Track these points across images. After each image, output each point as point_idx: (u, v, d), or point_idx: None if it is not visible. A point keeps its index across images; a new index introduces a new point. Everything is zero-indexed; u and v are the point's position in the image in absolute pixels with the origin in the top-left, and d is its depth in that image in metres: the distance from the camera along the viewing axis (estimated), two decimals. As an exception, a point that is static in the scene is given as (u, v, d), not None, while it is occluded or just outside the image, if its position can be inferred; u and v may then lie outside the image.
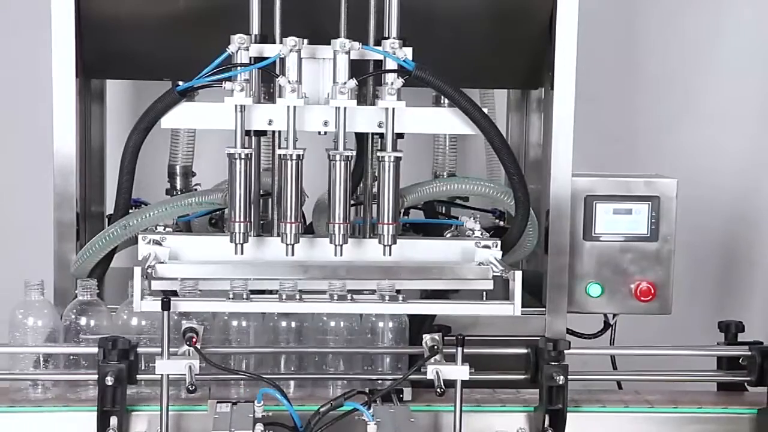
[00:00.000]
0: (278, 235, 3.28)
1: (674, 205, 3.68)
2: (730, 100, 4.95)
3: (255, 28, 3.28)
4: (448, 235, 3.68)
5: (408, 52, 3.25)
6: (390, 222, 3.24)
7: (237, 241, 3.23)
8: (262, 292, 3.28)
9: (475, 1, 3.64)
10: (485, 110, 3.89)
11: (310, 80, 3.24)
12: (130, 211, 3.68)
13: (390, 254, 3.27)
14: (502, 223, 3.91)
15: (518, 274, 3.14)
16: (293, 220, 3.21)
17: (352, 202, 3.44)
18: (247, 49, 3.19)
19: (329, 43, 3.27)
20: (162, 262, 3.30)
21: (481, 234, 3.43)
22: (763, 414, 3.37)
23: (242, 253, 3.23)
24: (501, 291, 3.26)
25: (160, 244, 3.33)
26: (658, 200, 3.67)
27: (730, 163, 4.96)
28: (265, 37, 3.29)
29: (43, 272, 3.54)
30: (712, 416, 3.40)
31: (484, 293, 3.39)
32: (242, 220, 3.21)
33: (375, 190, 3.32)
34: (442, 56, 3.64)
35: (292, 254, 3.24)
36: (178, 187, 4.02)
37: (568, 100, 3.61)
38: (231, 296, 3.14)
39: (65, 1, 3.51)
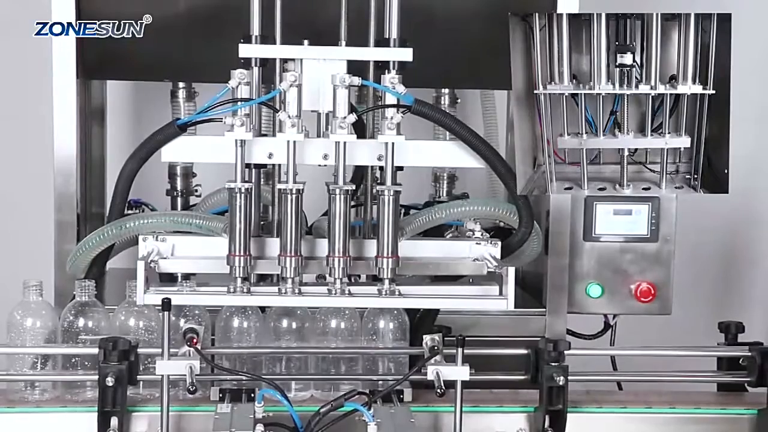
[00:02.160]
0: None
1: (674, 206, 3.68)
2: (731, 100, 4.93)
3: (255, 29, 3.28)
4: (448, 236, 3.68)
5: (408, 53, 3.25)
6: (389, 256, 3.23)
7: (236, 275, 3.20)
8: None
9: (475, 1, 3.65)
10: (486, 112, 3.90)
11: (311, 81, 3.24)
12: (129, 212, 3.70)
13: (390, 291, 3.24)
14: (502, 223, 3.91)
15: (511, 270, 3.16)
16: (293, 254, 3.21)
17: (352, 203, 3.45)
18: (248, 84, 3.18)
19: (330, 44, 3.27)
20: (164, 258, 3.30)
21: (481, 234, 3.43)
22: (763, 415, 3.37)
23: (242, 290, 3.21)
24: (497, 287, 3.26)
25: (163, 241, 3.33)
26: (657, 201, 3.67)
27: (730, 164, 4.95)
28: (266, 38, 3.29)
29: (44, 273, 3.54)
30: (712, 417, 3.40)
31: (470, 279, 3.41)
32: (242, 254, 3.20)
33: (375, 191, 3.31)
34: (442, 57, 3.65)
35: (294, 291, 3.21)
36: (179, 188, 4.02)
37: (568, 100, 3.61)
38: (231, 290, 3.18)
39: (65, 1, 3.51)
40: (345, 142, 3.19)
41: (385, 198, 3.22)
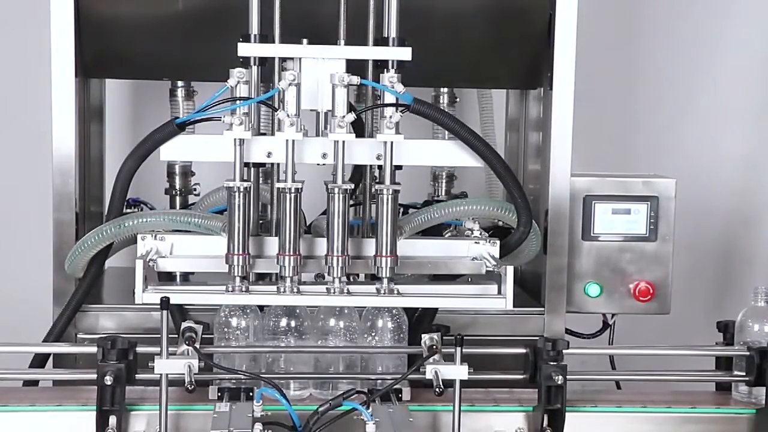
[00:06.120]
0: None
1: (673, 205, 3.69)
2: (730, 99, 4.95)
3: (254, 28, 3.28)
4: (447, 235, 3.68)
5: (407, 52, 3.25)
6: (388, 255, 3.23)
7: (235, 273, 3.20)
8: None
9: (474, 1, 3.65)
10: (483, 111, 3.89)
11: (309, 80, 3.24)
12: (128, 210, 3.70)
13: (389, 291, 3.24)
14: (501, 223, 3.91)
15: (510, 269, 3.17)
16: (292, 253, 3.21)
17: (351, 202, 3.45)
18: (246, 83, 3.18)
19: (329, 43, 3.27)
20: (163, 257, 3.30)
21: (480, 234, 3.43)
22: (761, 414, 3.37)
23: (240, 288, 3.21)
24: (496, 287, 3.26)
25: (162, 240, 3.33)
26: (656, 200, 3.67)
27: (729, 163, 4.97)
28: (265, 37, 3.29)
29: (43, 272, 3.55)
30: (711, 416, 3.40)
31: (469, 278, 3.41)
32: (241, 252, 3.20)
33: (374, 190, 3.31)
34: (440, 56, 3.65)
35: (292, 290, 3.21)
36: (177, 187, 4.01)
37: (567, 100, 3.62)
38: (229, 289, 3.18)
39: (64, 1, 3.51)
40: (344, 141, 3.19)
41: (383, 197, 3.22)
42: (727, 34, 4.92)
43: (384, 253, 3.22)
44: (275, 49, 3.29)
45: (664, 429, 3.38)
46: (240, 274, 3.20)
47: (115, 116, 4.42)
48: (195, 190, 4.06)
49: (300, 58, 3.25)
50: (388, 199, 3.22)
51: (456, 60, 3.72)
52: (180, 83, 3.94)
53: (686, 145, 4.93)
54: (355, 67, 3.26)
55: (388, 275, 3.23)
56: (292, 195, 3.19)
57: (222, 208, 3.58)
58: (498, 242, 3.41)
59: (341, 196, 3.19)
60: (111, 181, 3.45)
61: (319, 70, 3.25)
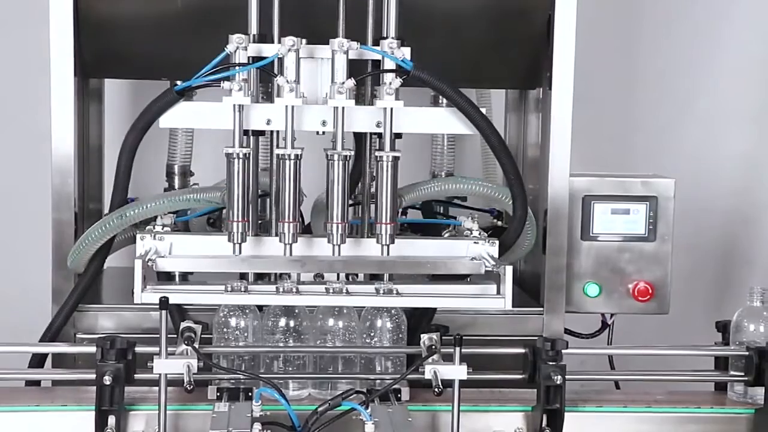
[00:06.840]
0: (276, 235, 3.29)
1: (672, 205, 3.69)
2: (729, 100, 4.95)
3: (253, 28, 3.28)
4: (446, 235, 3.68)
5: (406, 52, 3.25)
6: (388, 222, 3.24)
7: (235, 241, 3.23)
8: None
9: (474, 1, 3.65)
10: (483, 110, 3.89)
11: (309, 80, 3.25)
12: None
13: (388, 254, 3.27)
14: (500, 222, 3.92)
15: (509, 269, 3.17)
16: (291, 220, 3.21)
17: (350, 201, 3.45)
18: (246, 49, 3.19)
19: (328, 43, 3.27)
20: (162, 256, 3.30)
21: (479, 234, 3.43)
22: (760, 414, 3.37)
23: (240, 253, 3.23)
24: (495, 287, 3.26)
25: (161, 240, 3.34)
26: (655, 200, 3.67)
27: (728, 164, 4.97)
28: (264, 36, 3.29)
29: (42, 272, 3.55)
30: (710, 416, 3.40)
31: (468, 277, 3.41)
32: (240, 219, 3.21)
33: (373, 190, 3.32)
34: (440, 56, 3.65)
35: (290, 254, 3.24)
36: (176, 187, 4.01)
37: (566, 100, 3.62)
38: (228, 289, 3.18)
39: (64, 1, 3.51)
40: (343, 108, 3.19)
41: (383, 164, 3.22)
42: (727, 34, 4.92)
43: (384, 221, 3.23)
44: (275, 49, 3.29)
45: (664, 429, 3.38)
46: (239, 241, 3.21)
47: (115, 116, 4.42)
48: (194, 189, 4.06)
49: (299, 57, 3.24)
50: (388, 166, 3.23)
51: (456, 60, 3.72)
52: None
53: (686, 145, 4.94)
54: (354, 67, 3.25)
55: (387, 242, 3.24)
56: (292, 162, 3.19)
57: (215, 209, 3.58)
58: (497, 242, 3.41)
59: (341, 163, 3.19)
60: (110, 180, 3.46)
61: (318, 70, 3.25)
